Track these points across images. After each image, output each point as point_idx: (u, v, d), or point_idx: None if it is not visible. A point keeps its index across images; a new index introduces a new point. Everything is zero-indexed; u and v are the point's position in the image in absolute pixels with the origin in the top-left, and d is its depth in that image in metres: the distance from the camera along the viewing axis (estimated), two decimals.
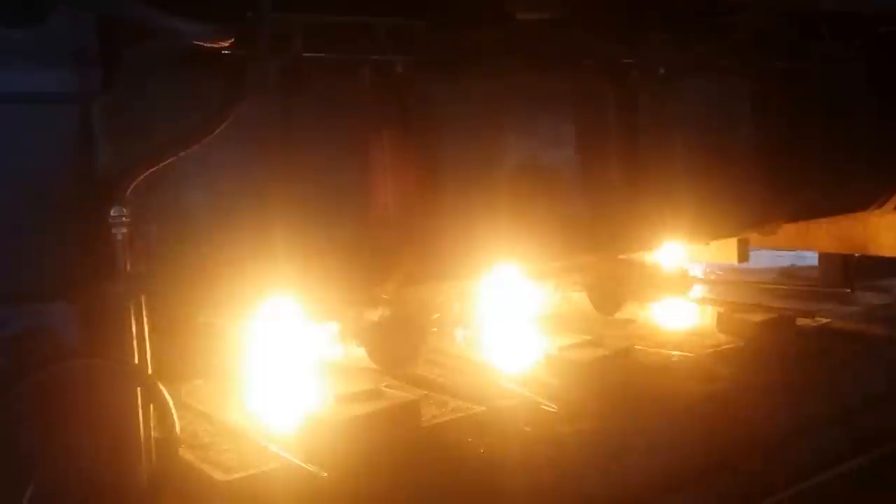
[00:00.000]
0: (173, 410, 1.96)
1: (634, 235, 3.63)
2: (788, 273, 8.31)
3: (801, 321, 4.46)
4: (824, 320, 4.45)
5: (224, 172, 2.38)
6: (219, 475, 2.68)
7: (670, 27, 3.11)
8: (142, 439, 1.93)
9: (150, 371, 1.93)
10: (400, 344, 3.18)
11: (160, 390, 1.92)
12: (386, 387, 3.38)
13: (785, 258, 7.56)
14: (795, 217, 4.37)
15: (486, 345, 3.88)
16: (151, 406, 1.94)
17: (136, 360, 1.90)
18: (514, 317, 4.00)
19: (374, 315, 3.21)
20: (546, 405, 3.19)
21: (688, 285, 4.41)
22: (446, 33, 2.63)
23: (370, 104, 2.62)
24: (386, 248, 2.78)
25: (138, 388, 1.89)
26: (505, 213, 3.07)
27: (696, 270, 5.18)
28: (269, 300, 2.99)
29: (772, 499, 3.06)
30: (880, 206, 4.86)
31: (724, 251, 5.04)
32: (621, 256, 4.44)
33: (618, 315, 4.41)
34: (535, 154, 3.15)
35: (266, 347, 3.37)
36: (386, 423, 2.92)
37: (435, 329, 3.95)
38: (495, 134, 3.02)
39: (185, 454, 2.81)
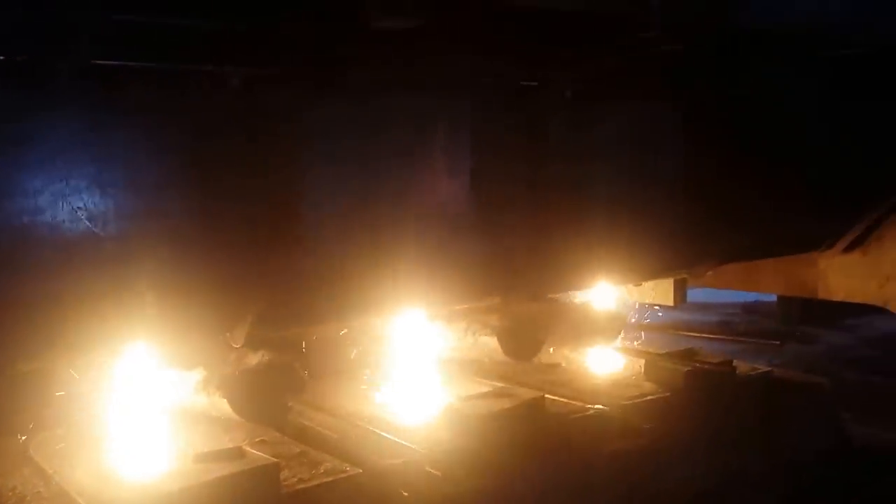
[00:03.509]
0: None
1: (544, 277, 3.29)
2: (752, 309, 8.03)
3: (741, 370, 4.11)
4: (764, 369, 4.09)
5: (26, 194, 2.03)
6: None
7: (574, 44, 2.79)
8: None
9: None
10: (265, 395, 2.83)
11: None
12: (260, 441, 3.04)
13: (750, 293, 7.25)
14: (730, 259, 4.06)
15: (385, 394, 3.51)
16: None
17: None
18: (420, 363, 3.65)
19: (238, 363, 2.86)
20: (429, 468, 2.82)
21: (616, 330, 4.06)
22: (299, 43, 2.30)
23: (207, 123, 2.28)
24: (233, 288, 2.42)
25: None
26: (384, 251, 2.73)
27: (635, 312, 4.84)
28: (124, 344, 2.66)
29: None
30: (829, 248, 4.55)
31: (664, 292, 4.72)
32: (550, 296, 4.12)
33: (543, 360, 4.07)
34: (421, 185, 2.81)
35: (128, 397, 3.04)
36: (236, 491, 2.54)
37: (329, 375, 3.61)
38: (371, 160, 2.68)
39: None
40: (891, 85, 3.91)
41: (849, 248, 4.55)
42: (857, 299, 4.65)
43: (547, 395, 3.39)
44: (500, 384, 3.57)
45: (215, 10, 2.07)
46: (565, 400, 3.49)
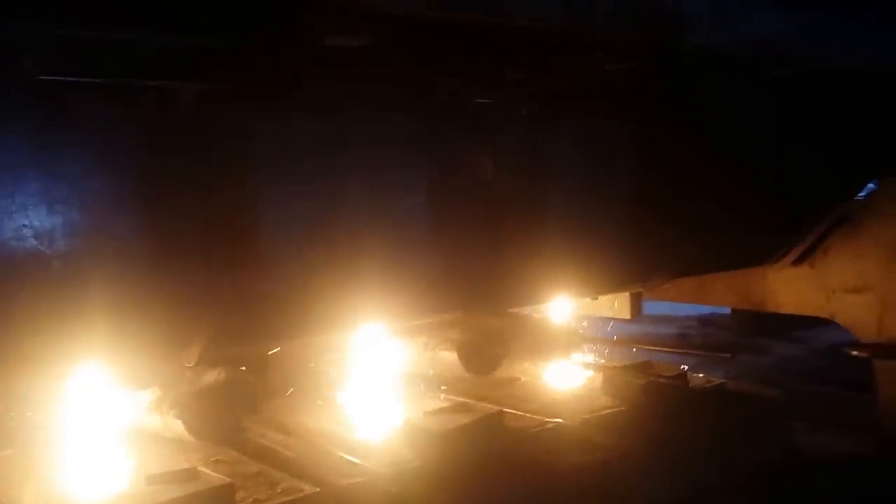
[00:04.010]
0: None
1: (502, 292, 3.30)
2: (708, 321, 8.14)
3: (696, 382, 4.17)
4: (717, 381, 4.16)
5: None
6: None
7: (526, 63, 2.82)
8: None
9: None
10: (219, 414, 2.80)
11: None
12: (216, 461, 3.01)
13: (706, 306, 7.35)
14: (681, 273, 4.12)
15: (344, 411, 3.49)
16: None
17: None
18: (381, 378, 3.63)
19: (193, 382, 2.83)
20: (388, 487, 2.80)
21: (572, 344, 4.09)
22: (251, 59, 2.30)
23: (158, 139, 2.26)
24: (186, 307, 2.39)
25: None
26: (341, 268, 2.72)
27: (590, 326, 4.88)
28: (74, 363, 2.60)
29: None
30: (777, 261, 4.62)
31: (621, 306, 4.77)
32: (508, 311, 4.14)
33: (503, 375, 4.09)
34: (377, 202, 2.81)
35: (80, 417, 2.98)
36: None
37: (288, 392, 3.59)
38: (327, 177, 2.68)
39: None
40: (833, 102, 4.01)
41: (797, 262, 4.63)
42: (806, 312, 4.72)
43: (506, 410, 3.40)
44: (458, 399, 3.57)
45: (165, 26, 2.05)
46: (524, 414, 3.51)
